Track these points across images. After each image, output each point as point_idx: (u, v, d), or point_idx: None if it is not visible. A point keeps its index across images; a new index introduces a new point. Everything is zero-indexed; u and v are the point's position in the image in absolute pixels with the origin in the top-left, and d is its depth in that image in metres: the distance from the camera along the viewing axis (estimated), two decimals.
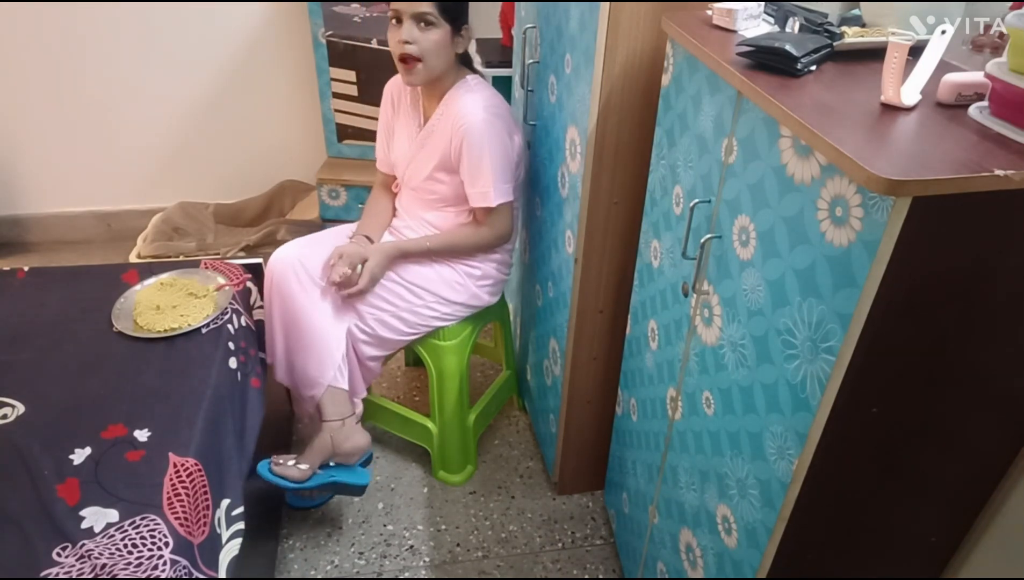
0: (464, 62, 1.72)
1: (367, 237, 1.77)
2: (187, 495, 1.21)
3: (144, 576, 1.08)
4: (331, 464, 1.71)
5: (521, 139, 1.76)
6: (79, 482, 1.20)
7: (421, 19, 1.54)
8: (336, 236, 1.80)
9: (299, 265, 1.66)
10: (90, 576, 1.07)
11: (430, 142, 1.70)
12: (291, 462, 1.65)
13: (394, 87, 1.80)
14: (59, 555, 1.09)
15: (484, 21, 2.74)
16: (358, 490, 1.75)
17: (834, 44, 1.05)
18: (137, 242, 2.68)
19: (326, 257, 1.69)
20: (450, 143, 1.64)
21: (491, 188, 1.64)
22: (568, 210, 1.60)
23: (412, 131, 1.76)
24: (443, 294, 1.75)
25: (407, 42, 1.55)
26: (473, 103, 1.61)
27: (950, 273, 0.79)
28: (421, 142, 1.72)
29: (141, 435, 1.30)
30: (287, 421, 2.11)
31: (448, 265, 1.76)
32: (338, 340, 1.69)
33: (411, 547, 1.83)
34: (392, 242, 1.74)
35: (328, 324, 1.68)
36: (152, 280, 1.72)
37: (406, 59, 1.58)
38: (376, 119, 1.93)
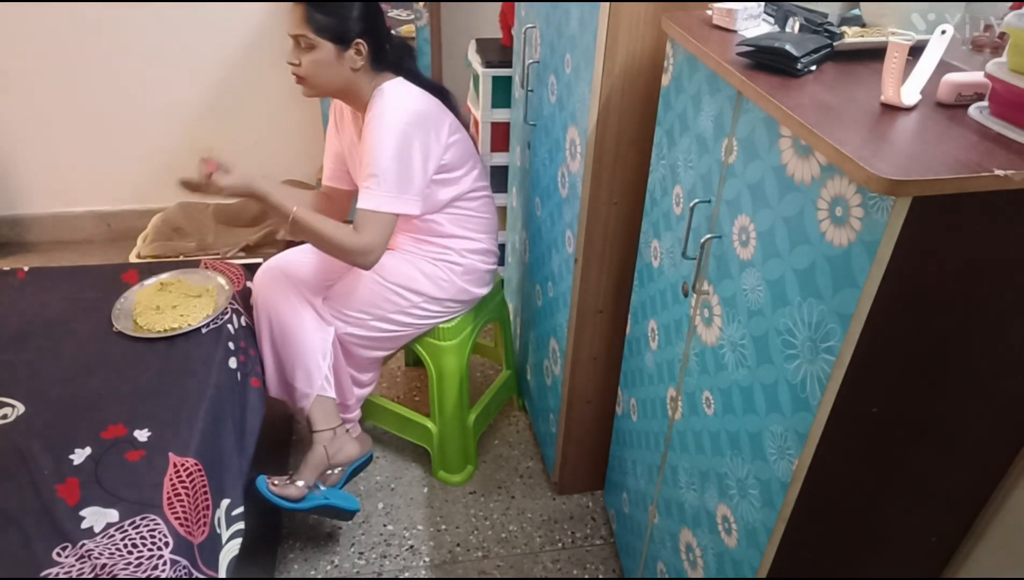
0: (395, 66, 1.62)
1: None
2: (187, 495, 1.21)
3: (144, 576, 1.08)
4: (322, 487, 1.71)
5: (458, 134, 1.65)
6: (79, 482, 1.20)
7: (299, 41, 1.51)
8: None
9: (283, 277, 1.66)
10: (90, 576, 1.07)
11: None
12: (288, 480, 1.64)
13: (337, 103, 1.75)
14: (59, 555, 1.09)
15: (484, 21, 2.74)
16: (348, 515, 1.75)
17: (834, 44, 1.05)
18: (137, 242, 2.67)
19: (311, 267, 1.68)
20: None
21: (378, 190, 1.51)
22: (568, 210, 1.60)
23: (354, 145, 1.72)
24: (430, 293, 1.74)
25: (291, 63, 1.54)
26: (382, 108, 1.54)
27: (950, 273, 0.79)
28: (360, 155, 1.65)
29: (141, 435, 1.30)
30: (287, 421, 2.11)
31: (430, 262, 1.74)
32: (324, 350, 1.68)
33: (411, 547, 1.83)
34: (266, 180, 1.54)
35: (313, 334, 1.67)
36: (152, 280, 1.72)
37: (295, 77, 1.56)
38: None
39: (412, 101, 1.57)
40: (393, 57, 1.62)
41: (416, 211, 1.58)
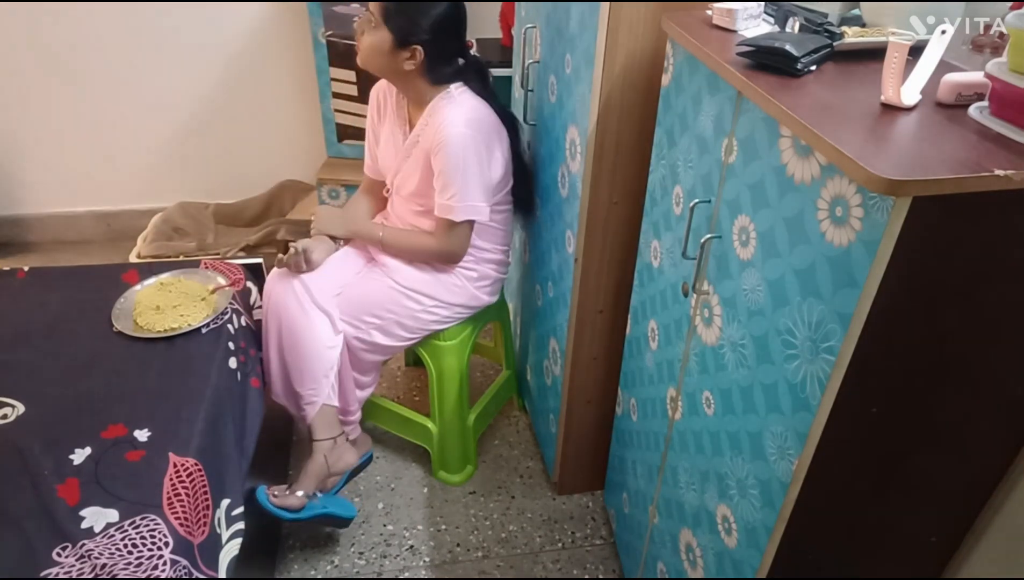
0: (457, 73, 1.64)
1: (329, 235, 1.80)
2: (187, 495, 1.21)
3: (144, 576, 1.08)
4: (320, 495, 1.71)
5: (507, 153, 1.70)
6: (79, 482, 1.20)
7: (370, 16, 1.55)
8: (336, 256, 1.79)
9: (299, 285, 1.64)
10: (90, 576, 1.07)
11: (415, 152, 1.66)
12: (288, 491, 1.64)
13: (380, 92, 1.76)
14: (59, 555, 1.09)
15: (484, 21, 2.74)
16: (345, 522, 1.75)
17: (834, 44, 1.05)
18: (137, 242, 2.67)
19: (325, 275, 1.68)
20: (432, 155, 1.61)
21: (457, 202, 1.61)
22: (568, 210, 1.60)
23: (398, 139, 1.72)
24: (442, 297, 1.74)
25: (356, 30, 1.60)
26: (454, 115, 1.57)
27: (950, 273, 0.79)
28: (407, 151, 1.68)
29: (141, 435, 1.30)
30: (287, 421, 2.11)
31: (444, 268, 1.76)
32: (333, 361, 1.68)
33: (411, 547, 1.83)
34: (343, 219, 1.78)
35: (324, 344, 1.66)
36: (152, 280, 1.72)
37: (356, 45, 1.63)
38: None
39: (484, 110, 1.63)
40: (455, 73, 1.64)
41: (486, 217, 1.67)
